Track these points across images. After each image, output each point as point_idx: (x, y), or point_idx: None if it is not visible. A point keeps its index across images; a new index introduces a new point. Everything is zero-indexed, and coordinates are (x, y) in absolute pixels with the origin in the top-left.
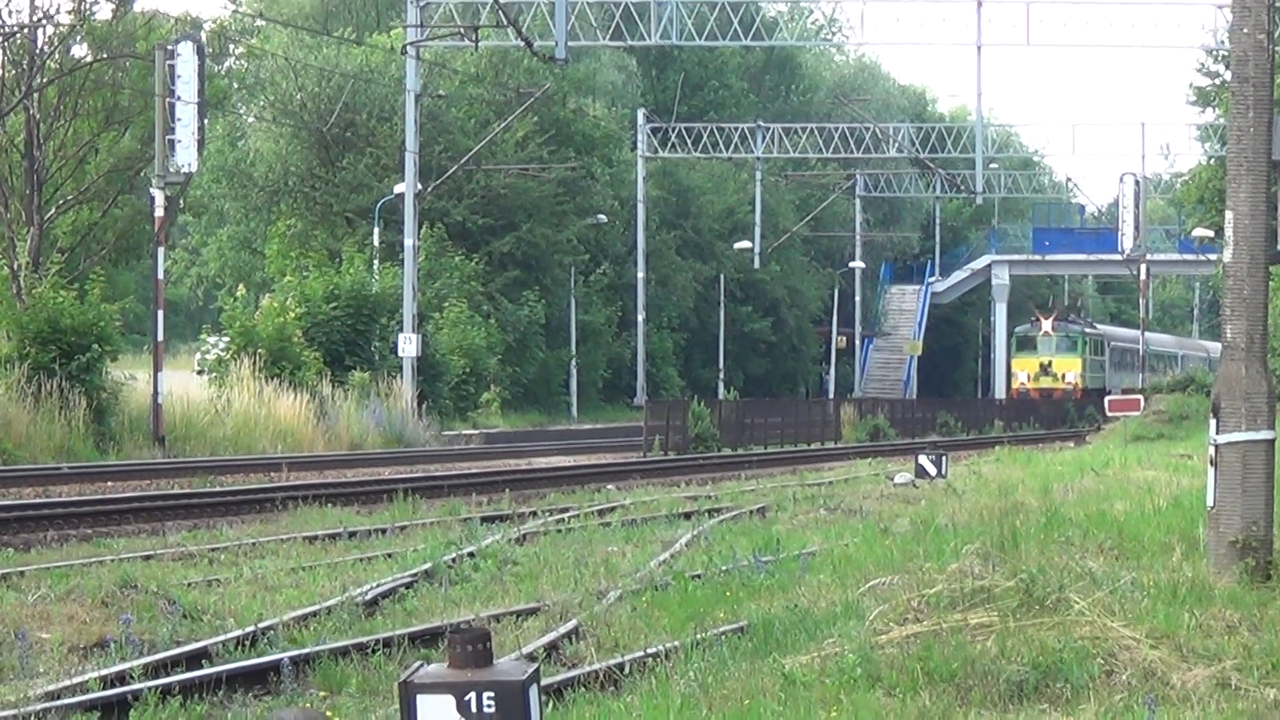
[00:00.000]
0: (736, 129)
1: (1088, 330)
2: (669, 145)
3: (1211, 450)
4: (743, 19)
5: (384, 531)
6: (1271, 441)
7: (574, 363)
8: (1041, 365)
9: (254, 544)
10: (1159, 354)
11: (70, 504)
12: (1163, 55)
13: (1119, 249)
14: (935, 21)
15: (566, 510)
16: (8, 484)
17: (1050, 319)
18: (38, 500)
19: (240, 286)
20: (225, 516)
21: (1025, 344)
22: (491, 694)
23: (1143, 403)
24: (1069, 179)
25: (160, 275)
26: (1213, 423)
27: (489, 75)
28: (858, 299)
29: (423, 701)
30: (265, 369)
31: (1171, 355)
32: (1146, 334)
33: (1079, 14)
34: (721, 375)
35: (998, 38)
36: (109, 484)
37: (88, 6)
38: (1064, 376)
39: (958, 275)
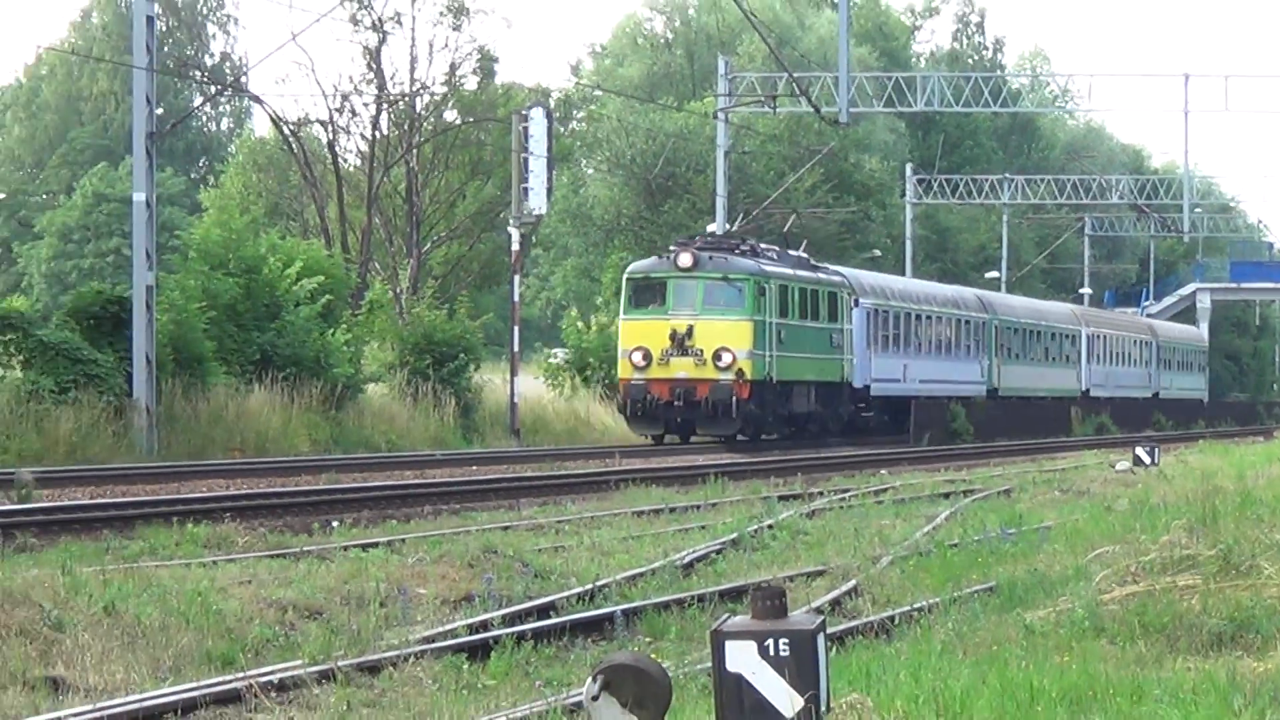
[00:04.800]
0: (987, 180)
1: (775, 270)
2: (932, 193)
3: None
4: (992, 89)
5: (698, 507)
6: None
7: None
8: (673, 334)
9: (592, 517)
10: (1015, 325)
11: (442, 484)
12: None
13: None
14: (1150, 91)
15: (848, 490)
16: (392, 468)
17: (693, 246)
18: (416, 481)
19: (572, 309)
20: (569, 494)
21: (646, 293)
22: (786, 640)
23: None
24: (1260, 220)
25: (516, 298)
26: None
27: (785, 135)
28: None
29: (730, 646)
30: (596, 376)
31: (1030, 329)
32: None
33: (1273, 84)
34: None
35: (1202, 105)
36: (474, 468)
37: (457, 79)
38: (716, 356)
39: (1168, 300)
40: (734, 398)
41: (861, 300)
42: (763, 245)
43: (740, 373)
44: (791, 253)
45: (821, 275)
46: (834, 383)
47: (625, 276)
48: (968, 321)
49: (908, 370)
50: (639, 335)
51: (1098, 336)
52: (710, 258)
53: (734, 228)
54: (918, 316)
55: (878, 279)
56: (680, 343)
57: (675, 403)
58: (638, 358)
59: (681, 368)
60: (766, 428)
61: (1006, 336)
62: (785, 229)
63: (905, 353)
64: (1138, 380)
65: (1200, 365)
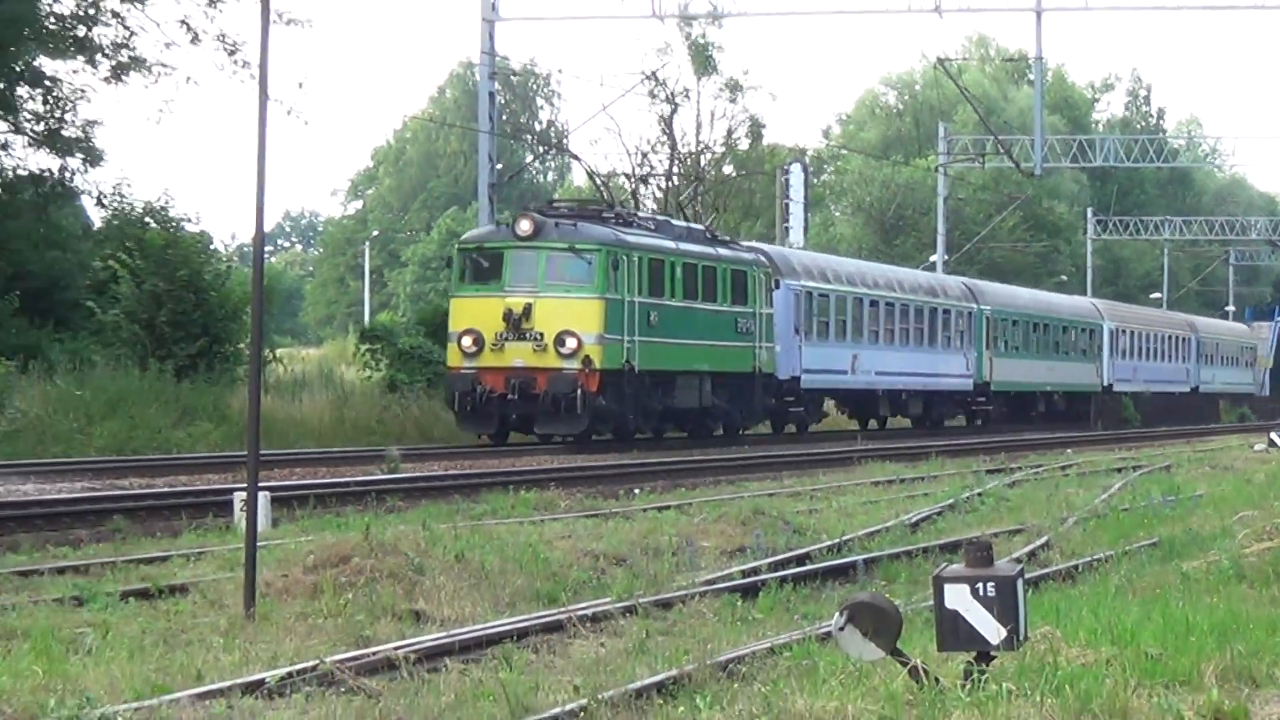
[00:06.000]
0: (1151, 220)
1: (641, 241)
2: (1107, 230)
3: None
4: (1156, 148)
5: (923, 479)
6: None
7: None
8: (507, 315)
9: (839, 486)
10: (1014, 316)
11: (720, 460)
12: None
13: None
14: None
15: (1040, 466)
16: (680, 448)
17: (535, 212)
18: (700, 458)
19: None
20: (820, 468)
21: (480, 266)
22: (993, 584)
23: None
24: None
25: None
26: None
27: (990, 185)
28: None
29: (948, 588)
30: None
31: (1032, 321)
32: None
33: None
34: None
35: None
36: (745, 448)
37: (733, 140)
38: (559, 341)
39: None
40: (579, 390)
41: (786, 282)
42: (642, 215)
43: (587, 360)
44: (678, 223)
45: (723, 251)
46: (742, 374)
47: (457, 246)
48: (948, 311)
49: (858, 361)
50: (470, 316)
51: (1123, 331)
52: (556, 225)
53: (951, 259)
54: (873, 303)
55: (815, 259)
56: (516, 325)
57: (510, 396)
58: (467, 343)
59: (518, 354)
60: (629, 425)
61: (1001, 328)
62: (680, 197)
63: (855, 342)
64: (1173, 375)
65: (1249, 361)
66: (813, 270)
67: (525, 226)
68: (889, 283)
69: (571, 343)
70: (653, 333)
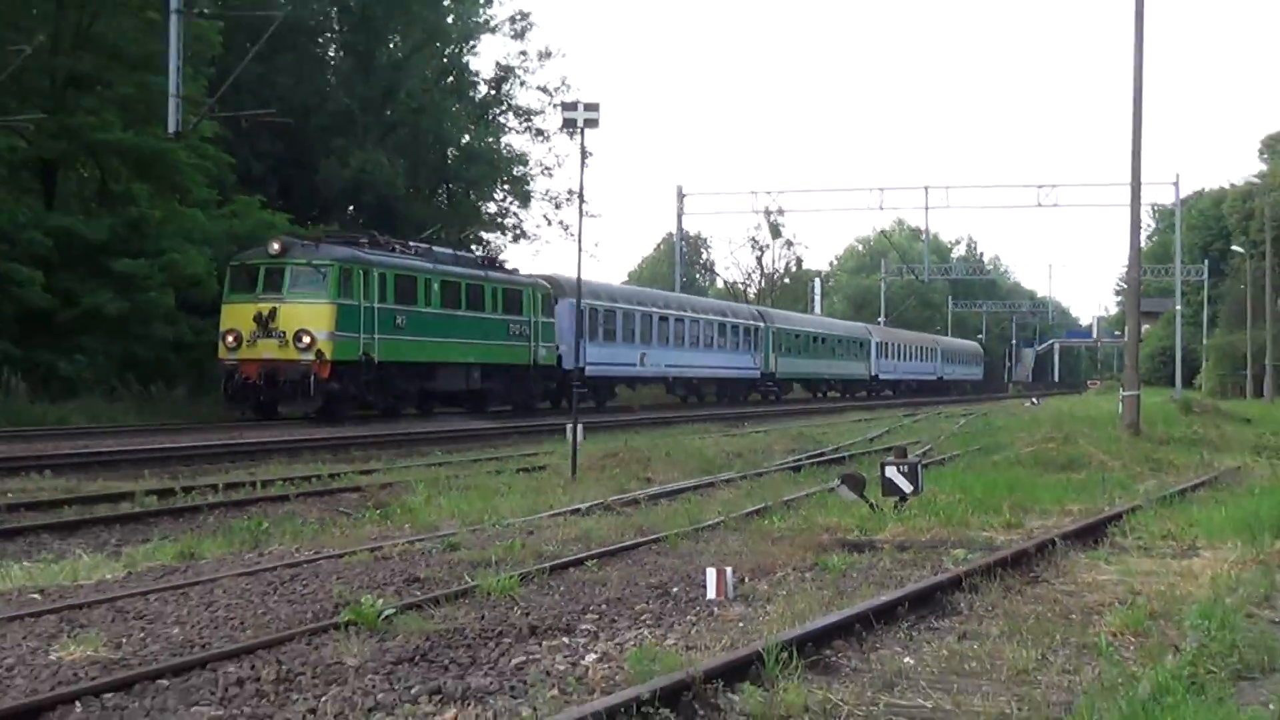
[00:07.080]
0: (977, 302)
1: (385, 260)
2: (958, 307)
3: (1121, 397)
4: (979, 269)
5: (876, 419)
6: (1138, 395)
7: None
8: (258, 317)
9: (838, 421)
10: (795, 331)
11: (782, 411)
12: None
13: (1094, 337)
14: (1041, 266)
15: (928, 413)
16: (765, 404)
17: (285, 236)
18: (775, 409)
19: None
20: (827, 416)
21: (241, 278)
22: (907, 466)
23: (1099, 382)
24: (1079, 316)
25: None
26: (1121, 390)
27: (905, 287)
28: (1014, 353)
29: (887, 468)
30: None
31: (817, 336)
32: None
33: (1095, 263)
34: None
35: (1060, 274)
36: (794, 404)
37: (789, 268)
38: (297, 338)
39: (1040, 347)
40: (312, 377)
41: (568, 300)
42: (411, 243)
43: (320, 354)
44: (443, 251)
45: (495, 274)
46: (518, 365)
47: (229, 264)
48: (736, 326)
49: (647, 357)
50: (232, 318)
51: (886, 343)
52: (302, 245)
53: (888, 318)
54: (662, 318)
55: (607, 287)
56: (265, 325)
57: (260, 381)
58: (230, 339)
59: (267, 349)
60: (368, 404)
61: (785, 339)
62: (463, 235)
63: (645, 344)
64: (924, 370)
65: (977, 361)
66: (600, 294)
67: (275, 247)
68: (680, 305)
69: (306, 339)
70: (400, 332)
